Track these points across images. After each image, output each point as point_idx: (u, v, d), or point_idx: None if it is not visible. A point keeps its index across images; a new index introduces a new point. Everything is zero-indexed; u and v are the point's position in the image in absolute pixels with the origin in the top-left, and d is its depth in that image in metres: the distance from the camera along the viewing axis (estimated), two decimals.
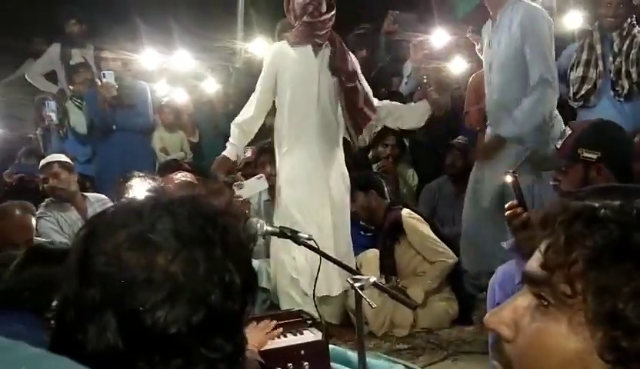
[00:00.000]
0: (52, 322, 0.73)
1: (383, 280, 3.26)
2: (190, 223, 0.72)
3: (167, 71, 5.15)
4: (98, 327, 0.67)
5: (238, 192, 3.44)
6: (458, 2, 4.83)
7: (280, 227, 2.01)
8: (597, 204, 0.61)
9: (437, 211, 4.14)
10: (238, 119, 3.25)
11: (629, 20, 3.17)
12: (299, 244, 1.94)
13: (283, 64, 3.19)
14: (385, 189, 3.62)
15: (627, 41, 3.19)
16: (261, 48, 4.64)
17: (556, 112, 3.00)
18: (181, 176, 3.27)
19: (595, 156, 1.99)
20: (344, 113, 3.25)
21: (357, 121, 3.24)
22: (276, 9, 4.89)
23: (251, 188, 3.46)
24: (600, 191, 0.64)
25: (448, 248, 3.35)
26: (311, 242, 1.93)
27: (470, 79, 3.97)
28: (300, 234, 1.95)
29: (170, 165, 4.25)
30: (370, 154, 4.46)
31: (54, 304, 0.73)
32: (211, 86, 5.09)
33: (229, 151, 3.21)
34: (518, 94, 2.96)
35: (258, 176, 3.47)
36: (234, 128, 3.23)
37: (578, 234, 0.60)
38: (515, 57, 2.93)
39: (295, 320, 2.25)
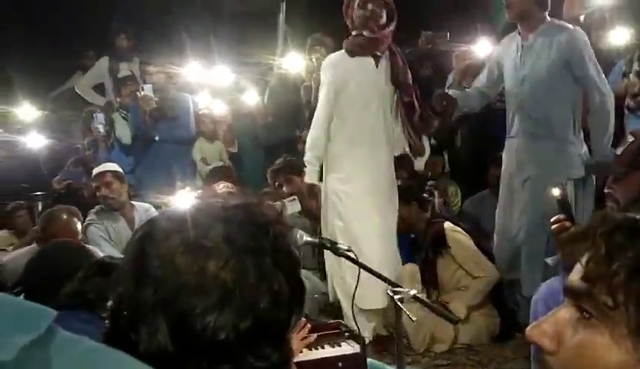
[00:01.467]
0: (107, 321, 0.75)
1: (424, 294, 3.22)
2: (242, 231, 0.73)
3: (208, 84, 5.25)
4: (150, 329, 0.69)
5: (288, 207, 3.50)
6: (497, 13, 4.77)
7: (320, 237, 2.00)
8: (638, 216, 0.60)
9: (480, 225, 4.07)
10: (313, 145, 3.19)
11: None
12: (338, 255, 1.93)
13: (344, 75, 3.16)
14: (430, 203, 3.58)
15: None
16: (294, 63, 4.69)
17: None
18: (223, 186, 3.32)
19: None
20: (404, 126, 3.24)
21: (416, 134, 3.25)
22: (308, 25, 4.94)
23: (288, 210, 3.50)
24: None
25: (491, 264, 3.28)
26: (350, 253, 1.92)
27: None
28: (339, 245, 1.94)
29: (219, 172, 4.34)
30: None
31: (109, 303, 0.75)
32: (251, 98, 5.16)
33: (314, 177, 3.18)
34: (561, 113, 3.05)
35: (291, 198, 3.51)
36: (313, 154, 3.17)
37: (619, 246, 0.60)
38: (558, 77, 3.03)
39: (334, 332, 2.23)
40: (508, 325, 3.25)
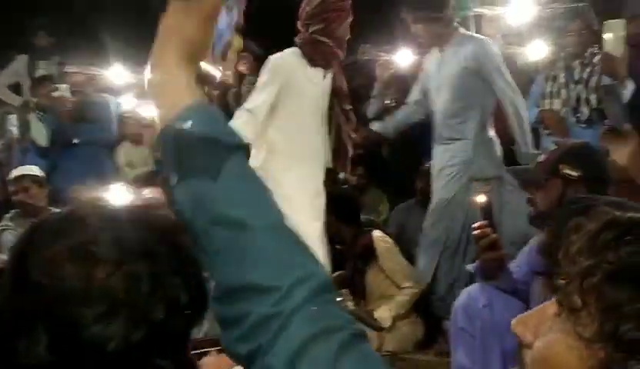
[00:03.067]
0: None
1: (352, 304, 3.22)
2: (135, 235, 0.68)
3: (135, 86, 5.08)
4: (28, 340, 0.63)
5: None
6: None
7: None
8: (631, 217, 0.58)
9: (406, 235, 4.13)
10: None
11: (590, 49, 3.26)
12: None
13: (298, 83, 2.95)
14: (358, 211, 3.59)
15: (587, 69, 3.29)
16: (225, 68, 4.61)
17: None
18: (147, 192, 3.18)
19: (575, 173, 2.02)
20: (334, 136, 3.13)
21: (346, 146, 3.16)
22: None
23: None
24: (617, 205, 0.62)
25: (418, 274, 3.32)
26: None
27: None
28: None
29: (144, 178, 4.18)
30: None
31: None
32: None
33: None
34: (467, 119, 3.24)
35: None
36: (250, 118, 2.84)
37: (602, 245, 0.57)
38: (469, 84, 3.22)
39: None
40: (432, 332, 3.30)
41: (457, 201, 3.16)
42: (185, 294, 0.68)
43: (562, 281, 0.60)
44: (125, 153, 4.82)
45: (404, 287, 3.29)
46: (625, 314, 0.54)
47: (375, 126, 3.59)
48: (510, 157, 3.36)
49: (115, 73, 4.76)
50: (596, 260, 0.57)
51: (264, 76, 2.95)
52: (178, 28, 0.69)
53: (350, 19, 2.98)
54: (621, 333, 0.54)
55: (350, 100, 3.19)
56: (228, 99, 4.91)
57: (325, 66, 3.02)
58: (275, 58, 2.97)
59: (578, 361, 0.57)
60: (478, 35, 3.41)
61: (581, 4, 3.33)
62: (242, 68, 4.63)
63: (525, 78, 3.69)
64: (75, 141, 4.47)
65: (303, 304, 0.54)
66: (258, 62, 4.47)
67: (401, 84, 4.19)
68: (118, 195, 2.89)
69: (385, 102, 4.34)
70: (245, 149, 0.64)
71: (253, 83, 4.44)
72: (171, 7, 0.69)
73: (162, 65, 0.68)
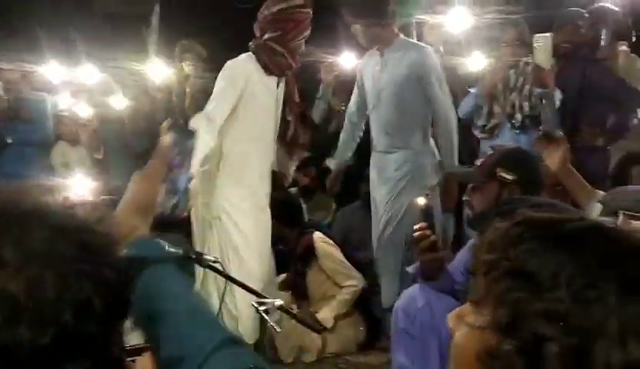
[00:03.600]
0: None
1: (294, 305, 3.22)
2: (39, 237, 0.65)
3: (72, 85, 4.91)
4: None
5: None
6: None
7: (184, 248, 1.91)
8: (538, 217, 0.61)
9: (351, 236, 4.16)
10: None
11: (524, 59, 3.38)
12: (204, 267, 1.85)
13: (252, 83, 2.90)
14: (301, 214, 3.58)
15: (521, 78, 3.41)
16: (166, 68, 4.53)
17: None
18: (73, 194, 3.06)
19: (511, 177, 2.09)
20: (283, 143, 3.12)
21: (294, 153, 3.17)
22: (183, 28, 4.78)
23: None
24: (549, 206, 0.66)
25: (358, 273, 3.36)
26: (217, 265, 1.86)
27: None
28: (206, 257, 1.86)
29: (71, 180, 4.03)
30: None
31: None
32: (121, 102, 4.88)
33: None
34: (408, 125, 3.25)
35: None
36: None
37: (509, 240, 0.60)
38: (410, 92, 3.22)
39: None
40: (374, 333, 3.34)
41: (407, 211, 3.13)
42: (97, 297, 0.65)
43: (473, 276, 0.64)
44: (60, 153, 4.65)
45: (344, 286, 3.32)
46: (504, 301, 0.58)
47: (331, 164, 3.49)
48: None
49: (51, 70, 4.58)
50: (499, 256, 0.60)
51: (222, 82, 2.88)
52: (134, 194, 1.03)
53: (307, 32, 2.94)
54: (499, 317, 0.57)
55: (300, 109, 3.18)
56: (173, 99, 4.82)
57: (279, 75, 2.98)
58: (233, 64, 2.90)
59: (476, 349, 0.60)
60: (420, 43, 3.43)
61: (514, 16, 3.46)
62: (187, 68, 4.54)
63: (465, 87, 3.80)
64: (9, 140, 4.30)
65: (211, 354, 0.72)
66: (203, 63, 4.43)
67: (347, 87, 4.23)
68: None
69: (334, 106, 4.38)
70: (170, 260, 0.89)
71: (198, 85, 4.40)
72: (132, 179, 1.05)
73: (123, 217, 0.97)
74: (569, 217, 0.62)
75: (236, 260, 2.86)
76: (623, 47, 3.53)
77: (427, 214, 1.97)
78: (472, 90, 3.72)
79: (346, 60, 4.19)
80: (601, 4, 3.56)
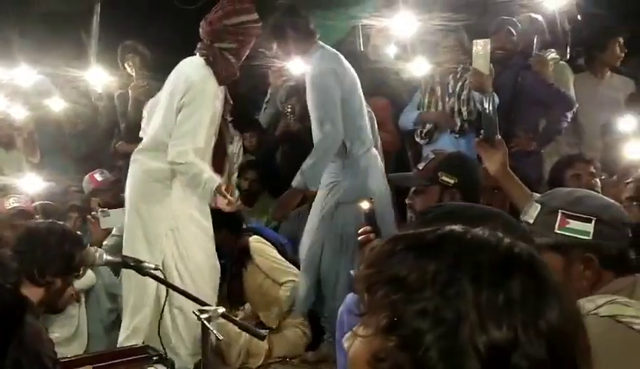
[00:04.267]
0: None
1: (231, 309, 3.18)
2: None
3: (6, 87, 4.69)
4: None
5: (102, 222, 3.15)
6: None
7: (123, 256, 1.87)
8: (415, 233, 0.68)
9: (299, 239, 4.16)
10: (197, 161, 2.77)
11: (462, 65, 3.47)
12: (143, 275, 1.82)
13: (215, 96, 2.86)
14: (239, 221, 3.52)
15: (459, 83, 3.51)
16: (107, 70, 4.40)
17: None
18: (13, 201, 2.94)
19: (452, 181, 2.13)
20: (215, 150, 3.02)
21: (224, 159, 3.09)
22: (124, 29, 4.67)
23: (117, 219, 3.15)
24: (446, 215, 0.70)
25: (296, 269, 3.34)
26: (157, 272, 1.83)
27: None
28: (145, 264, 1.83)
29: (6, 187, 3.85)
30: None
31: None
32: (59, 105, 4.71)
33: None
34: None
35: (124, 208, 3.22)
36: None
37: (382, 257, 0.66)
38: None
39: (140, 357, 2.10)
40: (320, 334, 3.34)
41: (326, 223, 3.15)
42: None
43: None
44: None
45: (283, 283, 3.31)
46: (383, 306, 0.64)
47: (295, 182, 3.25)
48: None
49: None
50: (376, 269, 0.66)
51: (198, 100, 2.79)
52: None
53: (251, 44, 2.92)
54: (381, 321, 0.64)
55: (232, 111, 3.13)
56: (115, 102, 4.70)
57: (226, 84, 2.96)
58: (204, 84, 2.82)
59: (366, 358, 0.66)
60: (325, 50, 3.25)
61: (455, 24, 3.55)
62: (129, 69, 4.43)
63: (409, 92, 3.87)
64: None
65: None
66: (146, 65, 4.33)
67: (295, 92, 4.23)
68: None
69: (283, 111, 4.37)
70: None
71: (141, 86, 4.30)
72: None
73: None
74: (432, 228, 0.69)
75: (189, 267, 2.83)
76: (553, 54, 3.68)
77: (370, 217, 1.99)
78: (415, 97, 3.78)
79: (295, 65, 4.19)
80: (533, 13, 3.70)
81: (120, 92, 4.50)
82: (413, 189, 2.32)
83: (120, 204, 3.56)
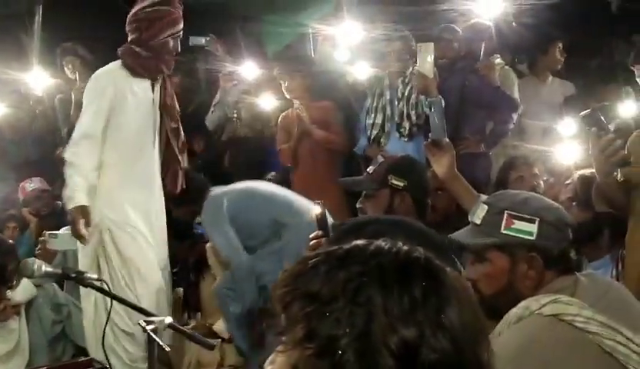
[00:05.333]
0: None
1: (187, 318, 3.12)
2: None
3: None
4: None
5: (49, 243, 3.07)
6: (268, 42, 4.95)
7: (63, 267, 1.80)
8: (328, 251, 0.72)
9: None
10: (83, 161, 2.71)
11: (411, 68, 3.52)
12: (85, 286, 1.75)
13: (121, 96, 2.79)
14: (191, 227, 3.45)
15: (408, 87, 3.56)
16: (46, 72, 4.25)
17: None
18: None
19: (401, 184, 2.15)
20: (163, 155, 2.98)
21: (176, 166, 2.99)
22: (66, 30, 4.51)
23: (65, 242, 3.04)
24: (358, 226, 0.74)
25: None
26: (100, 284, 1.76)
27: (280, 117, 4.04)
28: (87, 275, 1.76)
29: None
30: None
31: None
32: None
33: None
34: None
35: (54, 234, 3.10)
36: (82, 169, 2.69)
37: (294, 276, 0.70)
38: None
39: None
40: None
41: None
42: None
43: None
44: None
45: None
46: (299, 319, 0.68)
47: None
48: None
49: None
50: (291, 288, 0.70)
51: (89, 95, 2.81)
52: None
53: (170, 31, 2.84)
54: (297, 334, 0.67)
55: (178, 117, 3.05)
56: (55, 105, 4.54)
57: (150, 78, 2.87)
58: (97, 75, 2.84)
59: None
60: None
61: (399, 27, 3.61)
62: (68, 72, 4.28)
63: (358, 96, 3.90)
64: None
65: None
66: (87, 67, 4.19)
67: (242, 97, 4.20)
68: None
69: (230, 115, 4.33)
70: None
71: (82, 90, 4.16)
72: None
73: None
74: (338, 246, 0.74)
75: (131, 272, 2.76)
76: (498, 59, 3.79)
77: (322, 222, 1.98)
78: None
79: (247, 69, 4.16)
80: (479, 19, 3.79)
81: (61, 96, 4.34)
82: (364, 193, 2.33)
83: (53, 211, 3.43)
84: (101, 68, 2.88)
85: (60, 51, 4.15)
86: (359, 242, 0.74)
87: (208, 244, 3.29)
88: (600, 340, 1.33)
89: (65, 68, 4.21)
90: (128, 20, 2.85)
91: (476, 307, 0.73)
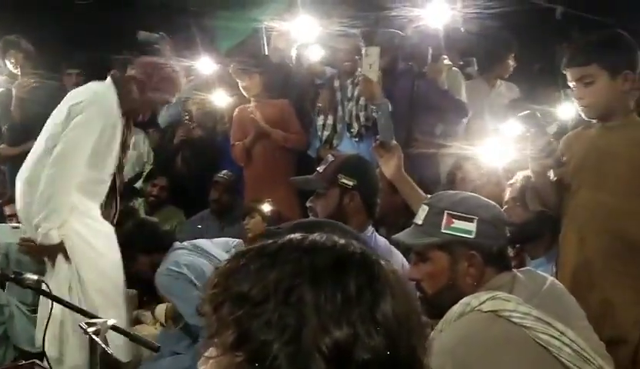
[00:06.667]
0: None
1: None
2: None
3: None
4: None
5: None
6: (221, 38, 4.90)
7: (2, 268, 1.74)
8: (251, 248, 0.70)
9: None
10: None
11: (360, 69, 3.55)
12: (24, 287, 1.69)
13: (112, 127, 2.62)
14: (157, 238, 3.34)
15: (357, 88, 3.58)
16: None
17: None
18: None
19: (351, 183, 2.15)
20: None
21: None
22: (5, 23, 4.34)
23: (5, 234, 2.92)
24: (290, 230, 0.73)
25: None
26: (42, 285, 1.71)
27: (234, 113, 4.02)
28: (27, 276, 1.71)
29: None
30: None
31: None
32: None
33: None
34: None
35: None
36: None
37: (224, 276, 0.68)
38: None
39: None
40: None
41: None
42: None
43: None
44: None
45: None
46: (229, 323, 0.66)
47: None
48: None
49: None
50: (220, 289, 0.68)
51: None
52: None
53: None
54: (228, 338, 0.65)
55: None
56: None
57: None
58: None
59: None
60: None
61: (352, 31, 3.63)
62: (11, 66, 4.11)
63: (310, 94, 3.90)
64: None
65: None
66: (30, 62, 4.05)
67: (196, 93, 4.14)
68: None
69: (183, 113, 4.26)
70: None
71: (25, 85, 4.01)
72: None
73: None
74: (272, 240, 0.72)
75: (89, 275, 2.65)
76: (446, 61, 3.87)
77: (274, 219, 1.98)
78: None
79: (203, 65, 4.09)
80: (426, 24, 3.86)
81: (2, 91, 4.17)
82: (315, 192, 2.33)
83: None
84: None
85: (2, 45, 3.99)
86: (293, 237, 0.71)
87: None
88: (535, 335, 1.39)
89: (7, 62, 4.05)
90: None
91: (412, 301, 0.72)
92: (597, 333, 1.53)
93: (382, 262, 0.71)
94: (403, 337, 0.67)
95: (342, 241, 0.71)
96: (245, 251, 0.71)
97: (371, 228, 2.20)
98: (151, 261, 2.87)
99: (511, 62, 4.11)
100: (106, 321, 1.62)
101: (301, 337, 0.63)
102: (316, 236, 0.71)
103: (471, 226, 1.49)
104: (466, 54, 4.34)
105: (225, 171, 4.15)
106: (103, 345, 1.58)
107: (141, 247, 2.90)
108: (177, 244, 2.93)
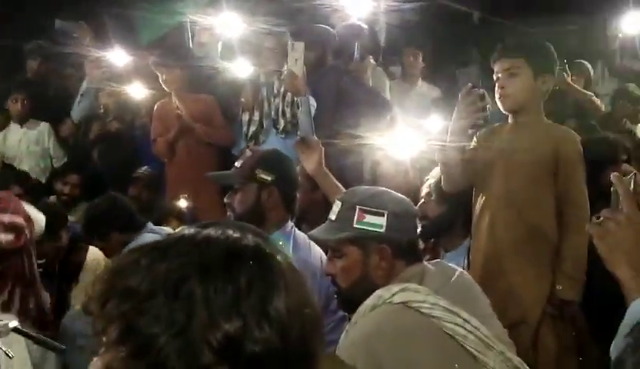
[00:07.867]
0: None
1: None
2: None
3: None
4: None
5: None
6: (141, 27, 4.75)
7: None
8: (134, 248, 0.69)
9: None
10: None
11: (285, 65, 3.55)
12: None
13: None
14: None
15: (284, 84, 3.56)
16: None
17: None
18: None
19: (269, 178, 2.13)
20: None
21: None
22: None
23: None
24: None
25: None
26: None
27: (155, 107, 3.90)
28: None
29: None
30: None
31: None
32: None
33: None
34: None
35: None
36: None
37: (113, 272, 0.67)
38: None
39: None
40: None
41: None
42: None
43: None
44: None
45: None
46: (114, 318, 0.65)
47: None
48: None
49: None
50: (108, 285, 0.66)
51: None
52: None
53: None
54: (112, 333, 0.64)
55: None
56: None
57: None
58: None
59: None
60: None
61: (278, 29, 3.62)
62: None
63: (235, 90, 3.86)
64: None
65: None
66: None
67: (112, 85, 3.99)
68: None
69: (97, 107, 4.11)
70: None
71: None
72: None
73: None
74: (168, 237, 0.72)
75: None
76: (371, 60, 3.94)
77: (189, 218, 1.94)
78: None
79: (116, 56, 3.93)
80: (353, 21, 3.91)
81: None
82: (232, 188, 2.30)
83: None
84: None
85: None
86: (187, 231, 0.71)
87: (91, 251, 3.03)
88: (442, 324, 1.44)
89: None
90: None
91: (307, 294, 0.72)
92: (502, 317, 1.62)
93: (278, 256, 0.71)
94: (295, 330, 0.67)
95: (236, 235, 0.70)
96: (139, 247, 0.70)
97: (290, 224, 2.19)
98: (124, 241, 2.74)
99: (420, 60, 4.27)
100: (7, 323, 1.53)
101: (190, 330, 0.62)
102: (210, 230, 0.70)
103: (382, 220, 1.53)
104: (388, 52, 4.44)
105: (145, 167, 4.02)
106: (3, 348, 1.50)
107: (116, 224, 2.80)
108: (150, 226, 2.85)
